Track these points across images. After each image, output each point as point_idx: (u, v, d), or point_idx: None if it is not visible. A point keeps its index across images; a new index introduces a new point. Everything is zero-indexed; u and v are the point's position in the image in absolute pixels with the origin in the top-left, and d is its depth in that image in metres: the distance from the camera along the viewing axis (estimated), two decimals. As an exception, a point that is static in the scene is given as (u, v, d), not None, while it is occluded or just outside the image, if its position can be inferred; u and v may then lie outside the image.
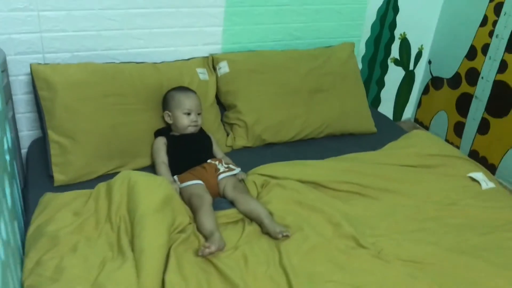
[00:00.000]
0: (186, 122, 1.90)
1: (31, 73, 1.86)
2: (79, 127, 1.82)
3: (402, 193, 1.85)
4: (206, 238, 1.52)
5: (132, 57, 2.09)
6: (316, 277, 1.43)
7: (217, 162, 1.83)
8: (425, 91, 2.93)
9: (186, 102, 1.90)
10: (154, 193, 1.57)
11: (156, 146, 1.90)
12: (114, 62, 2.03)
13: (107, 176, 1.82)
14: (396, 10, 2.61)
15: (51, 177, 1.80)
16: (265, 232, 1.58)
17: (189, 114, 1.90)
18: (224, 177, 1.77)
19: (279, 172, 1.84)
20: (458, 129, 2.73)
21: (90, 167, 1.82)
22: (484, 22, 2.50)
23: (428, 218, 1.73)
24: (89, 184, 1.79)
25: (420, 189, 1.87)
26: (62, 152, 1.80)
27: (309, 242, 1.55)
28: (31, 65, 1.86)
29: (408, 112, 3.05)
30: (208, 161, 1.84)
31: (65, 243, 1.45)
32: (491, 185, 1.94)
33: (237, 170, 1.83)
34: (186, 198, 1.69)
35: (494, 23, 2.44)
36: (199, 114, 1.93)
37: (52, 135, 1.81)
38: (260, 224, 1.61)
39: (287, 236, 1.54)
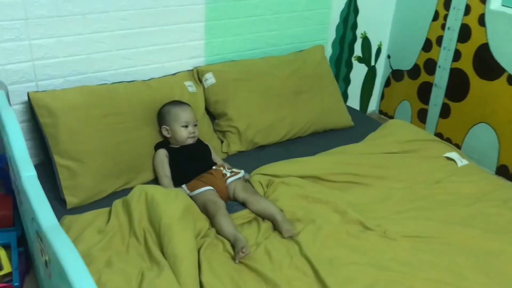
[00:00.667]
0: (185, 134, 1.98)
1: (29, 102, 1.89)
2: (84, 149, 1.87)
3: (392, 178, 2.03)
4: (229, 241, 1.63)
5: (122, 76, 2.15)
6: (336, 261, 1.57)
7: (221, 168, 1.93)
8: (387, 83, 3.16)
9: (183, 115, 1.99)
10: (174, 203, 1.66)
11: (159, 159, 1.98)
12: (106, 83, 2.09)
13: (116, 194, 1.89)
14: (356, 12, 2.81)
15: (62, 200, 1.83)
16: (277, 229, 1.70)
17: (186, 126, 1.99)
18: (232, 181, 1.88)
19: (280, 171, 1.97)
20: (422, 115, 2.97)
21: (99, 186, 1.87)
22: (436, 17, 2.75)
23: (419, 197, 1.92)
24: (100, 203, 1.84)
25: (406, 173, 2.06)
26: (71, 175, 1.83)
27: (322, 231, 1.69)
28: (29, 93, 1.88)
29: (373, 105, 3.27)
30: (214, 167, 1.94)
31: (99, 259, 1.51)
32: (465, 162, 2.16)
33: (242, 172, 1.94)
34: (201, 205, 1.78)
35: (445, 16, 2.69)
36: (195, 125, 2.03)
37: (58, 159, 1.84)
38: (273, 221, 1.73)
39: (291, 237, 1.65)
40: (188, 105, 2.06)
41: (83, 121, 1.89)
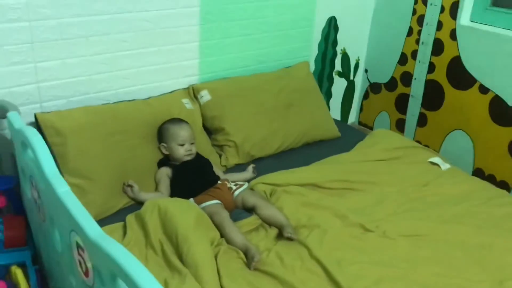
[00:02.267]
0: (181, 152, 2.06)
1: (37, 123, 1.93)
2: (93, 167, 1.92)
3: (383, 183, 2.16)
4: (241, 250, 1.71)
5: (122, 96, 2.22)
6: (343, 261, 1.68)
7: (226, 182, 2.02)
8: (365, 96, 3.34)
9: (180, 133, 2.07)
10: (188, 213, 1.74)
11: (158, 178, 2.05)
12: (108, 103, 2.15)
13: (125, 210, 1.94)
14: (336, 29, 2.98)
15: (72, 218, 1.87)
16: (281, 232, 1.80)
17: (183, 145, 2.07)
18: (239, 193, 1.97)
19: (280, 180, 2.08)
20: (400, 125, 3.15)
21: (109, 203, 1.92)
22: (410, 32, 2.95)
23: (411, 200, 2.07)
24: (110, 219, 1.89)
25: (396, 178, 2.20)
26: (81, 193, 1.88)
27: (327, 234, 1.80)
28: (36, 114, 1.93)
29: (353, 116, 3.44)
30: (219, 182, 2.02)
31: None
32: (447, 166, 2.33)
33: (246, 184, 2.03)
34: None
35: (419, 32, 2.89)
36: (192, 143, 2.10)
37: (68, 178, 1.88)
38: (280, 227, 1.83)
39: (290, 238, 1.75)
40: (186, 122, 2.14)
41: (90, 140, 1.95)
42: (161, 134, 2.10)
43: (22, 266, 1.77)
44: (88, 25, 2.01)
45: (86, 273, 1.21)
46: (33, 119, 1.95)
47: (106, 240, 1.07)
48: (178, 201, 1.82)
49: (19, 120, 1.61)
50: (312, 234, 1.79)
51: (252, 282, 1.57)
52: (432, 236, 1.84)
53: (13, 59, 1.89)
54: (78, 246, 1.21)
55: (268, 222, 1.87)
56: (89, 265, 1.17)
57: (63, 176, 1.87)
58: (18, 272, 1.73)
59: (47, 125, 1.91)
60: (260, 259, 1.64)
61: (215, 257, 1.65)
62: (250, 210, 1.93)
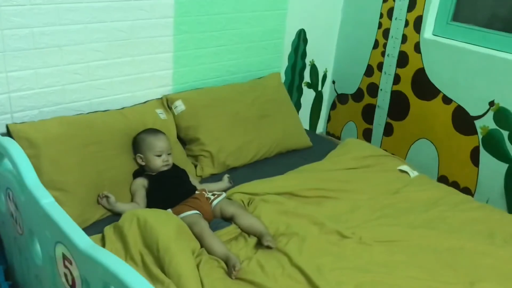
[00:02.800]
0: (158, 163, 2.05)
1: (8, 133, 1.88)
2: (67, 178, 1.88)
3: (356, 191, 2.22)
4: (222, 260, 1.72)
5: (95, 106, 2.19)
6: (323, 268, 1.71)
7: (204, 192, 2.02)
8: (333, 107, 3.42)
9: (157, 144, 2.06)
10: (167, 224, 1.73)
11: (133, 189, 2.03)
12: (81, 113, 2.12)
13: (101, 221, 1.91)
14: (305, 41, 3.05)
15: (47, 231, 1.82)
16: (261, 240, 1.82)
17: (160, 155, 2.06)
18: (217, 203, 1.97)
19: (257, 189, 2.09)
20: (367, 134, 3.24)
21: (85, 215, 1.89)
22: (376, 45, 3.05)
23: (383, 206, 2.13)
24: (86, 231, 1.78)
25: (368, 185, 2.26)
26: (56, 205, 1.84)
27: (306, 242, 1.83)
28: (8, 125, 1.88)
29: (320, 127, 3.51)
30: (197, 192, 2.02)
31: (103, 284, 1.54)
32: (416, 173, 2.42)
33: (223, 194, 2.04)
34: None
35: (384, 45, 3.00)
36: (169, 154, 2.10)
37: (42, 190, 1.84)
38: (259, 236, 1.85)
39: (269, 246, 1.77)
40: (163, 133, 2.13)
41: (65, 151, 1.91)
42: (137, 145, 2.08)
43: (-6, 282, 1.71)
44: (62, 35, 1.98)
45: (73, 285, 1.19)
46: (4, 130, 1.90)
47: (97, 250, 1.06)
48: (157, 212, 1.81)
49: (-6, 131, 1.57)
50: (291, 242, 1.82)
51: (235, 291, 1.58)
52: (406, 242, 1.90)
53: (-16, 68, 1.84)
54: (65, 257, 1.18)
55: (247, 231, 1.88)
56: (76, 276, 1.15)
57: (36, 188, 1.85)
58: (-10, 289, 1.67)
59: (20, 136, 1.86)
60: (240, 268, 1.65)
61: (197, 267, 1.65)
62: (228, 220, 1.93)
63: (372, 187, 2.25)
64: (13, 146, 1.39)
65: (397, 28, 2.91)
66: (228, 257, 1.69)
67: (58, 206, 1.22)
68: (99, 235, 1.77)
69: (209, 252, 1.75)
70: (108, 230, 1.77)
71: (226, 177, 2.22)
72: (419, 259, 1.80)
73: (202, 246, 1.78)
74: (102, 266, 1.01)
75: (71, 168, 1.90)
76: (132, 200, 2.02)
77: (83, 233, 1.12)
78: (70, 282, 1.19)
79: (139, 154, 2.06)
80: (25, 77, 1.95)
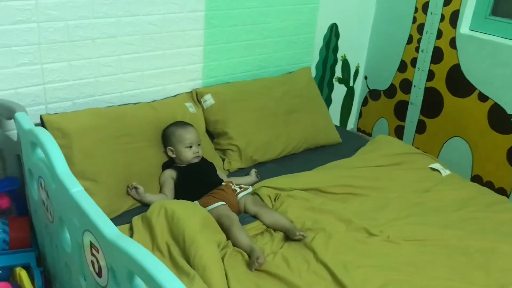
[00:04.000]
0: (189, 155, 2.07)
1: (42, 124, 1.93)
2: (98, 169, 1.92)
3: (385, 188, 2.18)
4: (246, 252, 1.72)
5: (126, 99, 2.22)
6: (349, 265, 1.69)
7: (231, 184, 2.03)
8: (364, 103, 3.37)
9: (187, 136, 2.08)
10: (194, 216, 1.74)
11: (162, 180, 2.06)
12: (112, 105, 2.15)
13: (129, 212, 1.94)
14: (337, 36, 3.01)
15: (77, 220, 1.87)
16: (289, 236, 1.81)
17: (190, 147, 2.08)
18: (242, 196, 1.98)
19: (284, 184, 2.09)
20: (399, 131, 3.18)
21: (114, 205, 1.92)
22: (410, 40, 2.99)
23: (413, 205, 2.09)
24: (115, 221, 1.81)
25: (398, 183, 2.23)
26: (86, 195, 1.88)
27: (333, 238, 1.81)
28: (42, 116, 1.93)
29: (351, 123, 3.46)
30: (223, 183, 2.03)
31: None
32: (448, 172, 2.36)
33: (250, 188, 2.04)
34: (215, 220, 1.86)
35: (419, 40, 2.93)
36: (199, 144, 2.12)
37: (73, 180, 1.88)
38: (285, 231, 1.84)
39: (302, 236, 1.77)
40: (191, 125, 2.15)
41: (96, 142, 1.94)
42: (167, 138, 2.10)
43: (27, 267, 1.76)
44: (95, 28, 2.02)
45: (99, 273, 1.21)
46: (38, 121, 1.95)
47: (124, 239, 1.08)
48: (185, 204, 1.83)
49: (28, 120, 1.61)
50: (317, 238, 1.80)
51: (259, 285, 1.58)
52: (435, 241, 1.86)
53: (20, 60, 1.88)
54: (92, 246, 1.21)
55: (273, 228, 1.88)
56: (103, 264, 1.17)
57: (68, 177, 1.89)
58: (22, 274, 1.72)
59: (53, 127, 1.90)
60: (263, 261, 1.65)
61: (222, 260, 1.66)
62: (253, 216, 1.94)
63: (401, 185, 2.21)
64: (45, 136, 1.43)
65: (432, 22, 2.84)
66: (252, 249, 1.69)
67: (87, 195, 1.24)
68: (128, 225, 1.80)
69: (235, 243, 1.76)
70: (137, 220, 1.80)
71: (253, 171, 2.22)
72: (449, 260, 1.75)
73: (228, 238, 1.79)
74: (127, 255, 1.02)
75: (101, 159, 1.94)
76: (160, 191, 2.04)
77: (110, 222, 1.14)
78: (97, 270, 1.22)
79: (169, 147, 2.09)
80: (59, 69, 1.99)
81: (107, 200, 1.91)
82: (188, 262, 1.62)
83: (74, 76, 2.04)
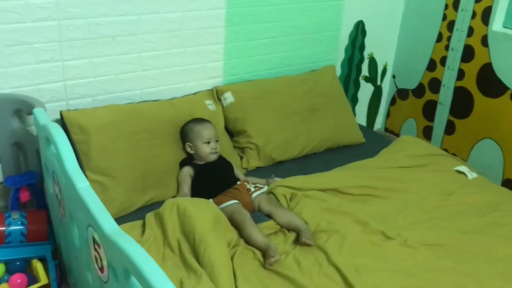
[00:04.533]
0: (207, 150, 2.06)
1: (62, 120, 1.97)
2: (115, 164, 1.94)
3: (407, 191, 2.12)
4: (261, 250, 1.70)
5: (147, 96, 2.24)
6: (362, 269, 1.64)
7: (246, 183, 2.01)
8: (392, 102, 3.29)
9: (205, 132, 2.08)
10: (205, 213, 1.74)
11: (180, 178, 2.06)
12: (132, 102, 2.18)
13: (144, 208, 1.96)
14: (364, 34, 2.95)
15: (93, 215, 1.89)
16: (299, 237, 1.77)
17: (208, 142, 2.07)
18: (257, 195, 1.96)
19: (301, 184, 2.05)
20: (427, 132, 3.09)
21: (130, 201, 1.94)
22: (439, 38, 2.89)
23: (434, 208, 2.01)
24: (130, 217, 1.91)
25: (420, 185, 2.15)
26: (103, 190, 1.90)
27: (347, 240, 1.77)
28: (61, 112, 1.97)
29: (379, 123, 3.39)
30: (238, 183, 2.02)
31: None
32: (475, 175, 2.27)
33: (265, 188, 2.02)
34: (228, 218, 1.85)
35: (449, 38, 2.83)
36: (217, 141, 2.11)
37: (90, 175, 1.91)
38: (298, 232, 1.81)
39: (308, 244, 1.71)
40: (209, 122, 2.15)
41: (113, 138, 1.97)
42: (186, 134, 2.11)
43: (43, 260, 1.80)
44: (115, 25, 2.04)
45: (102, 269, 1.22)
46: (59, 116, 1.99)
47: (121, 236, 1.08)
48: (197, 201, 1.82)
49: (45, 116, 1.65)
50: (331, 239, 1.77)
51: (268, 285, 1.56)
52: (455, 247, 1.78)
53: (42, 57, 1.93)
54: (95, 241, 1.22)
55: (286, 228, 1.85)
56: (104, 261, 1.18)
57: (85, 173, 1.93)
58: (38, 266, 1.76)
59: (72, 123, 1.94)
60: (278, 259, 1.63)
61: (231, 259, 1.65)
62: (267, 216, 1.91)
63: (424, 188, 2.13)
64: (56, 131, 1.45)
65: (463, 20, 2.74)
66: (268, 247, 1.68)
67: (92, 191, 1.25)
68: (141, 221, 1.81)
69: (249, 241, 1.74)
70: (150, 216, 1.81)
71: (273, 177, 2.18)
72: (468, 267, 1.68)
73: (241, 236, 1.78)
74: (123, 253, 1.02)
75: (118, 155, 1.96)
76: (178, 189, 2.05)
77: (111, 218, 1.15)
78: (100, 265, 1.23)
79: (188, 143, 2.09)
80: (80, 66, 2.03)
81: (123, 196, 1.93)
82: (197, 260, 1.62)
83: (95, 73, 2.07)
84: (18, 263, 1.78)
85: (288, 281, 1.58)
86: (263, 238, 1.72)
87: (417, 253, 1.74)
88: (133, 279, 1.07)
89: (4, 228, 1.76)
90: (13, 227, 1.78)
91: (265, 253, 1.66)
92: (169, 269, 1.60)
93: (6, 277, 1.74)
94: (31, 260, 1.79)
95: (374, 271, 1.64)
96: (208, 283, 1.50)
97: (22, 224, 1.80)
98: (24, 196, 1.90)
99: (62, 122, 1.97)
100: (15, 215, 1.81)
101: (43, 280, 1.73)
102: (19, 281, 1.69)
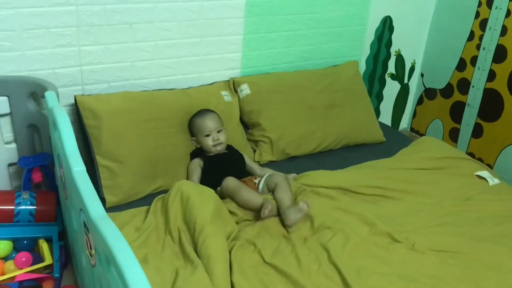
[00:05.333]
0: (209, 143, 2.04)
1: (76, 104, 2.00)
2: (125, 151, 1.96)
3: (421, 193, 2.04)
4: (257, 208, 1.76)
5: (162, 84, 2.24)
6: (363, 271, 1.59)
7: (253, 179, 1.99)
8: (419, 101, 3.18)
9: (204, 124, 2.05)
10: (207, 203, 1.73)
11: (190, 169, 2.05)
12: (147, 90, 2.19)
13: (152, 196, 1.96)
14: (391, 29, 2.86)
15: (101, 199, 1.90)
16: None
17: (209, 135, 2.04)
18: (262, 184, 1.95)
19: (311, 180, 2.01)
20: (454, 134, 2.97)
21: (137, 187, 1.96)
22: (471, 37, 2.77)
23: (448, 213, 1.93)
24: (137, 203, 1.92)
25: (436, 189, 2.07)
26: (111, 176, 1.93)
27: (351, 241, 1.72)
28: (75, 96, 2.00)
29: (404, 122, 3.29)
30: (246, 178, 2.00)
31: (136, 256, 1.58)
32: (497, 181, 2.16)
33: (266, 174, 2.00)
34: (227, 196, 1.86)
35: (481, 37, 2.71)
36: (219, 131, 2.06)
37: (100, 160, 1.94)
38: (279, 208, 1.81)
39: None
40: (210, 112, 2.09)
41: (125, 125, 1.98)
42: (190, 129, 2.11)
43: (49, 240, 1.84)
44: (132, 12, 2.05)
45: (91, 253, 1.23)
46: (73, 101, 2.02)
47: (105, 222, 1.08)
48: (202, 189, 1.80)
49: (54, 99, 1.67)
50: (334, 238, 1.72)
51: (264, 281, 1.53)
52: (464, 254, 1.70)
53: (59, 41, 1.96)
54: (85, 225, 1.22)
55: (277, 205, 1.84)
56: (92, 245, 1.19)
57: (95, 157, 1.95)
58: (44, 246, 1.80)
59: (85, 107, 1.97)
60: (271, 209, 1.72)
61: (230, 252, 1.63)
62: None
63: (440, 191, 2.05)
64: (60, 114, 1.47)
65: (496, 18, 2.61)
66: (264, 200, 1.74)
67: (86, 175, 1.26)
68: (146, 207, 1.82)
69: (245, 204, 1.79)
70: (156, 202, 1.81)
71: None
72: (476, 276, 1.60)
73: (237, 202, 1.82)
74: (103, 239, 1.02)
75: (129, 141, 1.97)
76: (187, 178, 2.05)
77: (99, 203, 1.15)
78: (89, 249, 1.24)
79: (193, 138, 2.09)
80: (96, 51, 2.05)
81: (132, 182, 1.95)
82: (196, 250, 1.61)
83: (111, 59, 2.09)
84: (25, 242, 1.82)
85: (286, 277, 1.55)
86: (258, 197, 1.77)
87: (423, 258, 1.67)
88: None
89: (13, 207, 1.80)
90: (22, 207, 1.82)
91: (260, 208, 1.73)
92: (167, 258, 1.60)
93: (13, 255, 1.79)
94: (38, 240, 1.83)
95: (375, 274, 1.58)
96: (203, 273, 1.49)
97: (31, 204, 1.84)
98: (37, 177, 1.94)
99: (76, 106, 2.00)
100: (25, 195, 1.85)
101: (48, 260, 1.76)
102: (24, 259, 1.73)
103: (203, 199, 1.74)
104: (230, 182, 1.86)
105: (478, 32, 2.73)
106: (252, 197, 1.78)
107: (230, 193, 1.83)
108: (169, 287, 1.47)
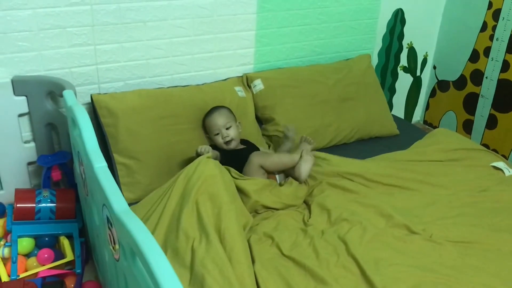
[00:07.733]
0: (220, 141, 2.03)
1: (92, 103, 2.02)
2: (142, 148, 1.98)
3: (437, 185, 2.04)
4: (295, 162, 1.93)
5: (177, 81, 2.26)
6: (381, 262, 1.60)
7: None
8: (432, 94, 3.17)
9: (211, 124, 2.05)
10: (231, 186, 1.79)
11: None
12: (162, 87, 2.21)
13: (169, 192, 1.98)
14: (403, 22, 2.85)
15: (120, 196, 1.94)
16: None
17: (218, 133, 2.03)
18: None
19: (331, 166, 2.03)
20: (467, 126, 2.96)
21: (154, 184, 1.97)
22: (484, 28, 2.75)
23: (465, 204, 1.93)
24: None
25: (452, 180, 2.07)
26: (129, 173, 1.95)
27: (368, 233, 1.73)
28: (92, 95, 2.02)
29: (417, 115, 3.28)
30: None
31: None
32: (513, 171, 2.16)
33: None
34: (256, 165, 1.94)
35: (494, 27, 2.69)
36: (228, 128, 2.03)
37: (117, 158, 1.96)
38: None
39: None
40: (218, 109, 2.08)
41: (141, 122, 2.01)
42: (203, 128, 2.13)
43: (70, 237, 1.87)
44: (146, 10, 2.07)
45: (114, 248, 1.25)
46: (89, 100, 2.05)
47: (129, 216, 1.09)
48: (223, 170, 1.83)
49: (73, 98, 1.69)
50: (352, 230, 1.73)
51: (282, 273, 1.55)
52: (483, 245, 1.71)
53: (75, 41, 1.98)
54: (108, 220, 1.25)
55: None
56: (116, 239, 1.21)
57: (112, 155, 1.98)
58: (65, 243, 1.83)
59: (101, 106, 1.99)
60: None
61: (248, 241, 1.66)
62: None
63: (456, 182, 2.05)
64: (80, 112, 1.50)
65: (510, 8, 2.60)
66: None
67: (108, 171, 1.28)
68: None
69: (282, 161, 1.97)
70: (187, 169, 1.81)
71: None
72: (495, 266, 1.61)
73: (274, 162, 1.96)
74: (129, 233, 1.04)
75: (145, 139, 1.99)
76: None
77: (122, 198, 1.17)
78: (113, 244, 1.26)
79: (206, 135, 2.11)
80: (111, 50, 2.07)
81: (149, 179, 1.97)
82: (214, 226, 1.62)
83: (126, 57, 2.11)
84: (47, 239, 1.85)
85: (304, 270, 1.57)
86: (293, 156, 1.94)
87: (441, 249, 1.68)
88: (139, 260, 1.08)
89: (34, 205, 1.83)
90: (43, 204, 1.85)
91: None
92: (185, 223, 1.60)
93: (35, 251, 1.82)
94: (59, 236, 1.86)
95: (393, 265, 1.59)
96: (219, 248, 1.51)
97: (51, 201, 1.87)
98: (56, 175, 1.97)
99: (92, 105, 2.03)
100: (46, 193, 1.88)
101: (69, 256, 1.79)
102: (46, 256, 1.76)
103: (227, 183, 1.77)
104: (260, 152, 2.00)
105: (491, 23, 2.71)
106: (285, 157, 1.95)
107: (263, 158, 1.93)
108: (188, 271, 1.49)
